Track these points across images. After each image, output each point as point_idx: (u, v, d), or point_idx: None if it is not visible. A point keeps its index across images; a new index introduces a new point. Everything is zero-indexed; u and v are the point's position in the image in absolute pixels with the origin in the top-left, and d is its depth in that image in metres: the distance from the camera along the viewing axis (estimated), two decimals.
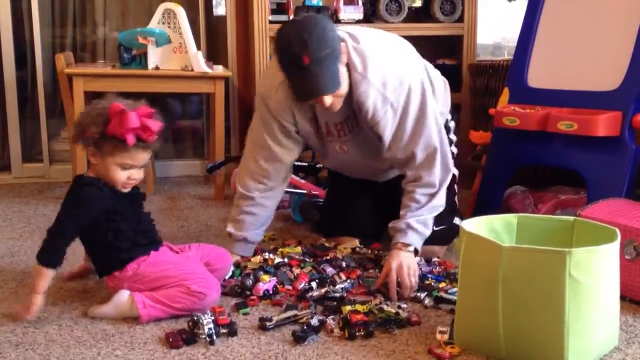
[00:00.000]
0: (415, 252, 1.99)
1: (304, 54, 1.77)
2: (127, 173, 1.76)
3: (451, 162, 2.08)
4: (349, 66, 1.93)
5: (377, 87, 1.93)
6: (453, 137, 2.30)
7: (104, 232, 1.76)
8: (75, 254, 1.94)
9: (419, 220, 1.99)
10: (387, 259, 1.95)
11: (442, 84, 2.25)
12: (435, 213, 2.04)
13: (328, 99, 1.88)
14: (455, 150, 2.29)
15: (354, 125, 2.08)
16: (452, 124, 2.32)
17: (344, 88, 1.91)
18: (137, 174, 1.78)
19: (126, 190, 1.79)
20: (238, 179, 2.18)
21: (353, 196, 2.36)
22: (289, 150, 2.14)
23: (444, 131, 2.07)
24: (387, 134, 2.00)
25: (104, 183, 1.76)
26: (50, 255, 1.71)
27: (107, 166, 1.74)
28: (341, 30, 1.97)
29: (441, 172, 2.04)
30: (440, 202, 2.05)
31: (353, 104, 1.98)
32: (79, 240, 1.81)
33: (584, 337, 1.44)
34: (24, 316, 1.70)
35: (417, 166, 2.02)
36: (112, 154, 1.73)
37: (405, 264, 1.90)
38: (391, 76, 1.95)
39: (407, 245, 1.97)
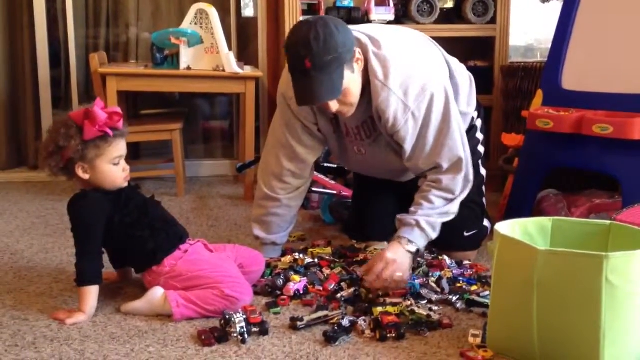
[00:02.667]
0: (416, 253, 1.94)
1: (306, 57, 1.74)
2: (120, 167, 1.80)
3: (472, 174, 2.01)
4: (369, 72, 1.89)
5: (399, 95, 1.88)
6: (480, 136, 2.25)
7: (124, 231, 1.79)
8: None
9: (429, 221, 1.92)
10: (384, 249, 1.90)
11: (467, 80, 2.18)
12: (446, 219, 1.97)
13: (333, 105, 1.85)
14: (482, 149, 2.26)
15: (372, 131, 2.04)
16: (478, 122, 2.25)
17: (354, 94, 1.87)
18: (126, 165, 1.82)
19: (125, 184, 1.83)
20: (262, 179, 2.17)
21: (378, 199, 2.33)
22: (311, 149, 2.13)
23: (466, 140, 2.01)
24: (408, 144, 1.95)
25: (95, 190, 1.79)
26: (84, 275, 1.75)
27: (101, 171, 1.77)
28: (361, 33, 1.93)
29: (463, 182, 1.97)
30: (454, 210, 1.98)
31: (372, 111, 1.94)
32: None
33: (620, 343, 1.42)
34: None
35: (441, 173, 1.97)
36: (99, 155, 1.76)
37: (399, 262, 1.85)
38: (413, 84, 1.89)
39: (411, 242, 1.90)
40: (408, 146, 1.95)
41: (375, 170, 2.24)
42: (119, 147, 1.79)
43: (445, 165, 1.96)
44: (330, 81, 1.78)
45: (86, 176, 1.77)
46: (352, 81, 1.84)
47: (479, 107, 2.26)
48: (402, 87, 1.88)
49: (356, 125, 2.05)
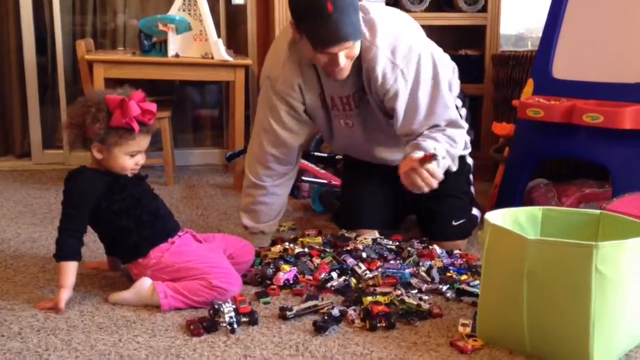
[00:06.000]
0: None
1: (327, 1, 1.76)
2: (134, 160, 1.80)
3: (467, 138, 2.08)
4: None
5: (386, 53, 1.91)
6: (464, 124, 2.24)
7: (109, 218, 1.77)
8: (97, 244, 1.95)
9: (444, 149, 1.93)
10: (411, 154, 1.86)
11: (450, 68, 2.20)
12: (456, 152, 2.00)
13: (343, 58, 1.85)
14: (467, 137, 2.25)
15: (360, 100, 2.04)
16: (463, 111, 2.25)
17: (358, 47, 1.89)
18: (141, 159, 1.83)
19: (130, 174, 1.82)
20: (248, 167, 2.16)
21: (367, 188, 2.31)
22: (295, 134, 2.12)
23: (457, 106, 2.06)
24: (400, 105, 1.95)
25: (96, 169, 1.79)
26: (63, 250, 1.73)
27: (115, 157, 1.77)
28: None
29: (462, 137, 2.02)
30: (456, 154, 2.02)
31: (362, 76, 1.95)
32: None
33: (610, 332, 1.42)
34: (55, 312, 1.70)
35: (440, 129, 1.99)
36: (118, 144, 1.75)
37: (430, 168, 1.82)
38: (400, 44, 1.93)
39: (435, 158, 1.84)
40: (400, 108, 1.96)
41: (363, 147, 2.21)
42: (141, 143, 1.80)
43: (442, 124, 1.97)
44: (352, 23, 1.82)
45: (99, 156, 1.77)
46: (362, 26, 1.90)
47: (463, 97, 2.27)
48: (390, 46, 1.92)
49: (346, 95, 2.05)
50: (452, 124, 1.99)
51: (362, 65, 1.93)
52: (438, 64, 1.98)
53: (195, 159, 3.78)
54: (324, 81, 2.03)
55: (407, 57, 1.92)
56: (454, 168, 2.01)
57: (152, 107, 1.78)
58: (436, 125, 1.97)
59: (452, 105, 2.00)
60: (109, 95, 1.75)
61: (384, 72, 1.91)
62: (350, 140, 2.21)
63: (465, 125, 2.08)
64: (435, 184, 1.84)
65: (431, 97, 1.95)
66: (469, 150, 2.26)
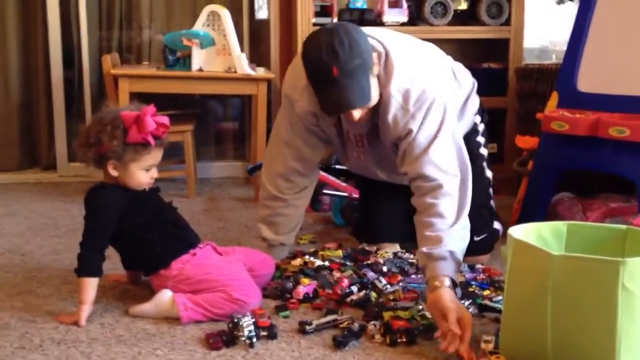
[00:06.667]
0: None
1: (333, 65, 1.69)
2: (149, 174, 1.82)
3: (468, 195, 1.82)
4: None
5: (398, 99, 1.83)
6: (481, 139, 2.24)
7: (134, 232, 1.78)
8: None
9: (457, 246, 1.70)
10: (440, 301, 1.60)
11: (470, 85, 2.19)
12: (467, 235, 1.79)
13: (357, 113, 1.80)
14: (485, 152, 2.24)
15: (374, 139, 2.02)
16: (481, 127, 2.25)
17: (375, 100, 1.84)
18: (155, 173, 1.84)
19: (143, 187, 1.84)
20: (267, 179, 2.15)
21: (385, 200, 2.29)
22: (316, 149, 2.12)
23: (467, 161, 1.87)
24: (404, 143, 1.86)
25: (115, 185, 1.80)
26: (85, 266, 1.73)
27: (131, 173, 1.78)
28: (378, 43, 1.87)
29: (459, 204, 1.78)
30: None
31: (376, 117, 1.91)
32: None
33: (637, 351, 1.38)
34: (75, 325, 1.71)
35: (428, 191, 1.79)
36: (135, 160, 1.77)
37: (459, 306, 1.62)
38: (414, 87, 1.84)
39: (449, 279, 1.65)
40: (403, 146, 1.87)
41: (374, 174, 2.21)
42: (156, 156, 1.81)
43: (439, 178, 1.79)
44: (359, 87, 1.74)
45: (115, 173, 1.78)
46: (373, 86, 1.81)
47: (482, 112, 2.26)
48: (402, 91, 1.83)
49: (360, 133, 2.03)
50: (443, 180, 1.79)
51: (376, 107, 1.87)
52: (447, 112, 1.87)
53: (217, 172, 3.79)
54: (341, 115, 2.00)
55: (419, 101, 1.83)
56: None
57: (166, 120, 1.80)
58: (421, 176, 1.82)
59: (448, 159, 1.83)
60: (124, 112, 1.76)
61: (394, 118, 1.85)
62: (361, 169, 2.23)
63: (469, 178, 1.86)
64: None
65: (425, 147, 1.83)
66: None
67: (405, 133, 1.86)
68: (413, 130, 1.84)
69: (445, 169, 1.81)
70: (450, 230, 1.72)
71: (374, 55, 1.81)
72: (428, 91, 1.85)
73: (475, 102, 2.23)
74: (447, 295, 1.61)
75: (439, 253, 1.67)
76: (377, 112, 1.89)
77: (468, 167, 1.86)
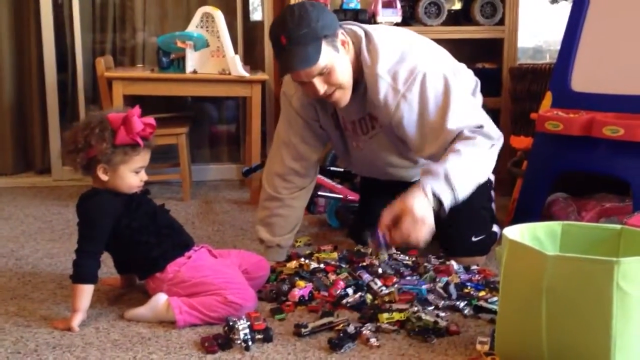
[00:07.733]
0: (439, 213, 1.75)
1: (282, 34, 1.81)
2: (139, 177, 1.81)
3: (497, 132, 1.90)
4: (362, 64, 1.91)
5: (387, 79, 1.88)
6: (494, 133, 2.23)
7: (129, 236, 1.78)
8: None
9: (457, 174, 1.77)
10: (409, 197, 1.72)
11: (472, 83, 2.21)
12: (477, 177, 1.84)
13: (318, 84, 1.85)
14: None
15: (369, 128, 2.04)
16: None
17: (340, 74, 1.86)
18: (144, 175, 1.84)
19: (134, 191, 1.83)
20: (266, 180, 2.18)
21: (383, 203, 2.30)
22: (314, 147, 2.15)
23: (495, 129, 1.93)
24: (410, 131, 1.91)
25: (107, 190, 1.78)
26: (80, 273, 1.72)
27: (121, 176, 1.77)
28: (360, 28, 1.96)
29: (487, 139, 1.86)
30: (485, 163, 1.86)
31: (367, 104, 1.94)
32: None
33: (632, 351, 1.38)
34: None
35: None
36: (124, 162, 1.76)
37: (428, 222, 1.70)
38: (402, 66, 1.88)
39: (435, 197, 1.73)
40: (410, 134, 1.91)
41: (375, 167, 2.21)
42: (145, 158, 1.81)
43: (465, 132, 1.85)
44: (305, 52, 1.81)
45: (105, 177, 1.77)
46: (336, 60, 1.86)
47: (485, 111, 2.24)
48: (390, 71, 1.89)
49: (352, 120, 2.06)
50: (476, 131, 1.86)
51: (367, 93, 1.92)
52: (449, 77, 1.90)
53: (212, 175, 3.79)
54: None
55: (409, 80, 1.87)
56: (483, 179, 1.88)
57: (152, 121, 1.79)
58: (459, 135, 1.86)
59: (473, 112, 1.89)
60: (111, 115, 1.75)
61: (385, 100, 1.88)
62: (362, 160, 2.22)
63: (496, 135, 1.93)
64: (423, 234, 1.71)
65: (441, 115, 1.87)
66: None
67: (398, 118, 1.89)
68: (414, 115, 1.88)
69: (467, 125, 1.85)
70: (457, 156, 1.80)
71: (341, 32, 1.88)
72: (419, 67, 1.89)
73: (478, 100, 2.23)
74: (420, 202, 1.70)
75: (434, 168, 1.78)
76: (366, 95, 1.92)
77: (498, 133, 1.93)
